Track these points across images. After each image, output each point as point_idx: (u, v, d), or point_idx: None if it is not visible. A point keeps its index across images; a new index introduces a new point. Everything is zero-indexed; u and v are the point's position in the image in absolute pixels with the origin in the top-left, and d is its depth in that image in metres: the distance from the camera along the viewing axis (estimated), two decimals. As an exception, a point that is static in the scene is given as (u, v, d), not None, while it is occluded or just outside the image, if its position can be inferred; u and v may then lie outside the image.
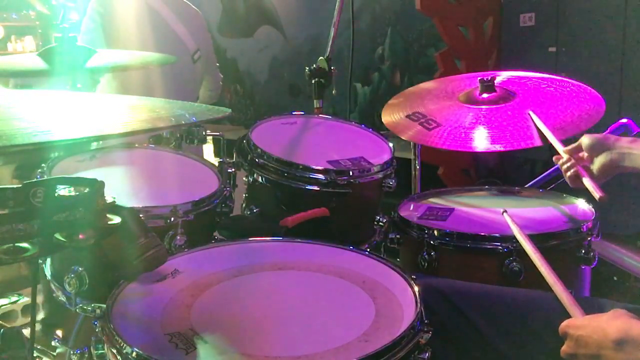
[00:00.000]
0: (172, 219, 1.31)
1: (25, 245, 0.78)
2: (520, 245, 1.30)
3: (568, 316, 1.01)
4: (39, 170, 1.38)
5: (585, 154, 1.39)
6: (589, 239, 1.43)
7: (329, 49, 2.04)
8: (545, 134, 1.53)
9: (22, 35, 7.05)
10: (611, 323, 0.89)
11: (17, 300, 2.65)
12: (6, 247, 0.77)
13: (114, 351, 0.89)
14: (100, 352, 0.96)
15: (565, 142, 1.51)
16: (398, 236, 1.54)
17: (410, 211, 1.63)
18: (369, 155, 1.62)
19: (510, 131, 1.60)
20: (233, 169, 1.57)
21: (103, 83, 2.50)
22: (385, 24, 4.28)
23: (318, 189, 1.48)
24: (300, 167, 1.49)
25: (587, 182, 1.35)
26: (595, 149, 1.35)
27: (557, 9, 3.18)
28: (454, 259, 1.44)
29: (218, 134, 1.70)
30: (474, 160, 3.58)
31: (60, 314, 1.50)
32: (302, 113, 1.85)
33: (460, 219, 1.55)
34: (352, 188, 1.50)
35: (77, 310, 1.28)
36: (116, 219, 0.86)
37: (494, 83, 1.74)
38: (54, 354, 1.59)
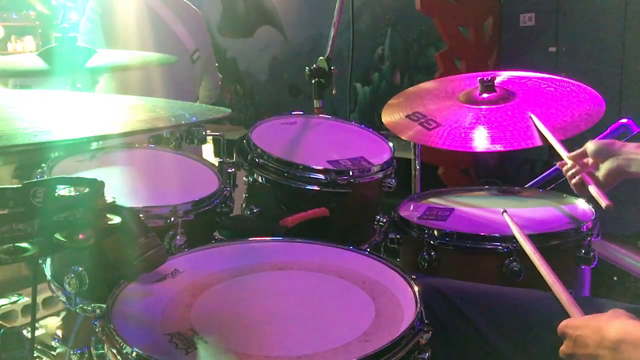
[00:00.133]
0: (172, 219, 1.31)
1: (25, 245, 0.78)
2: (520, 246, 1.30)
3: (567, 316, 1.01)
4: (39, 170, 1.38)
5: (590, 160, 1.37)
6: (589, 239, 1.43)
7: (329, 49, 2.04)
8: (549, 140, 1.52)
9: (22, 35, 7.04)
10: (610, 323, 0.89)
11: (17, 300, 2.65)
12: (6, 247, 0.77)
13: (114, 351, 0.89)
14: (100, 352, 0.96)
15: (565, 143, 1.51)
16: (398, 236, 1.54)
17: (410, 211, 1.63)
18: (369, 155, 1.62)
19: (510, 131, 1.60)
20: (233, 169, 1.57)
21: (102, 83, 2.50)
22: (385, 24, 4.28)
23: (318, 189, 1.48)
24: (300, 167, 1.49)
25: (593, 190, 1.33)
26: (601, 155, 1.33)
27: (557, 9, 3.18)
28: (454, 259, 1.44)
29: (218, 134, 1.70)
30: (474, 160, 3.58)
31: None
32: (302, 113, 1.85)
33: (460, 219, 1.55)
34: (352, 188, 1.50)
35: (77, 310, 1.28)
36: (116, 219, 0.86)
37: (494, 83, 1.74)
38: (54, 354, 1.59)
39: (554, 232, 1.42)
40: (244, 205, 1.62)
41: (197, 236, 1.36)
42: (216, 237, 1.46)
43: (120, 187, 1.41)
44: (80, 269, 1.23)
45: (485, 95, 1.73)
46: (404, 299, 1.02)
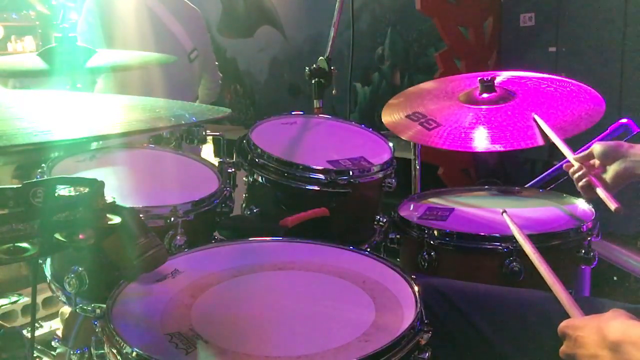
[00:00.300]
0: (172, 219, 1.31)
1: (25, 245, 0.78)
2: (520, 246, 1.30)
3: (567, 316, 1.01)
4: (39, 170, 1.38)
5: (596, 162, 1.36)
6: (589, 239, 1.43)
7: (329, 49, 2.04)
8: (554, 141, 1.51)
9: (22, 35, 7.04)
10: (610, 323, 0.89)
11: (17, 300, 2.65)
12: (6, 247, 0.77)
13: (114, 351, 0.89)
14: (100, 352, 0.96)
15: (565, 143, 1.51)
16: (398, 236, 1.54)
17: (410, 211, 1.63)
18: (369, 155, 1.62)
19: (510, 131, 1.60)
20: (233, 169, 1.57)
21: (100, 83, 2.50)
22: (385, 24, 4.28)
23: (318, 189, 1.48)
24: (300, 167, 1.49)
25: (601, 192, 1.31)
26: (609, 157, 1.32)
27: (557, 9, 3.18)
28: (454, 259, 1.44)
29: (218, 134, 1.70)
30: (474, 160, 3.58)
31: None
32: (302, 113, 1.85)
33: (460, 219, 1.55)
34: (352, 188, 1.50)
35: (77, 310, 1.29)
36: (116, 219, 0.86)
37: (494, 83, 1.74)
38: (54, 354, 1.59)
39: (554, 232, 1.42)
40: (244, 205, 1.62)
41: (197, 236, 1.36)
42: (216, 237, 1.46)
43: (120, 187, 1.41)
44: (80, 269, 1.23)
45: (485, 95, 1.74)
46: (404, 299, 1.02)
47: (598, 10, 3.01)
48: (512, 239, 1.35)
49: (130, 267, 0.98)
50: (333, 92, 2.10)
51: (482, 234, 1.41)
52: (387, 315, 0.98)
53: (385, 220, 1.63)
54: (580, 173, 1.37)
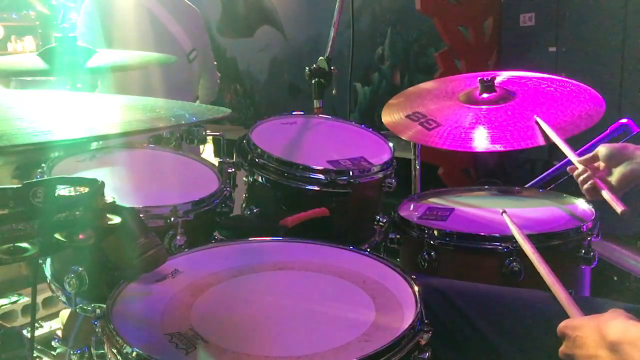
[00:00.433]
0: (172, 219, 1.31)
1: (25, 245, 0.78)
2: (520, 246, 1.30)
3: (567, 316, 1.01)
4: (39, 170, 1.38)
5: (601, 164, 1.35)
6: (589, 239, 1.43)
7: (329, 49, 2.04)
8: (557, 143, 1.50)
9: (22, 35, 7.04)
10: (609, 324, 0.89)
11: (17, 300, 2.65)
12: (6, 247, 0.77)
13: (114, 351, 0.89)
14: (100, 352, 0.96)
15: (568, 143, 1.50)
16: (398, 236, 1.54)
17: (410, 211, 1.63)
18: (369, 155, 1.62)
19: (510, 131, 1.60)
20: (233, 169, 1.57)
21: (99, 84, 2.50)
22: (385, 24, 4.28)
23: (318, 189, 1.48)
24: (300, 167, 1.49)
25: (606, 195, 1.30)
26: (614, 159, 1.31)
27: (557, 9, 3.18)
28: (454, 259, 1.44)
29: (218, 134, 1.70)
30: (474, 160, 3.58)
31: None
32: (302, 113, 1.85)
33: (460, 219, 1.55)
34: (352, 188, 1.50)
35: (77, 310, 1.29)
36: (116, 219, 0.86)
37: (494, 83, 1.74)
38: (54, 354, 1.59)
39: (554, 232, 1.42)
40: (244, 205, 1.62)
41: (197, 236, 1.36)
42: (216, 237, 1.46)
43: (120, 187, 1.41)
44: (80, 269, 1.23)
45: (485, 95, 1.74)
46: (404, 299, 1.02)
47: (598, 10, 3.01)
48: (512, 239, 1.35)
49: (130, 267, 0.98)
50: (333, 92, 2.10)
51: (482, 234, 1.41)
52: (387, 315, 0.98)
53: (385, 220, 1.63)
54: (585, 176, 1.36)
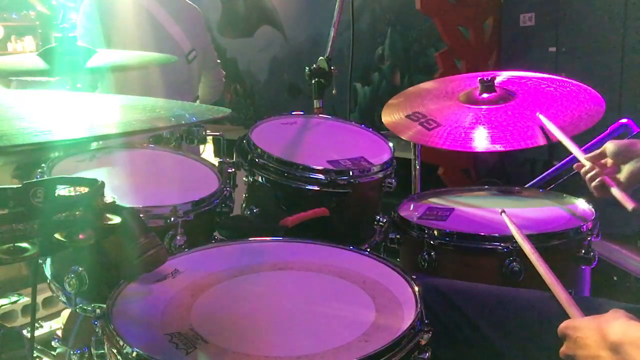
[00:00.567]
0: (172, 219, 1.31)
1: (25, 245, 0.78)
2: (520, 246, 1.30)
3: (567, 317, 1.01)
4: (39, 170, 1.38)
5: (609, 161, 1.33)
6: (589, 239, 1.43)
7: (329, 49, 2.04)
8: (562, 140, 1.48)
9: (22, 35, 7.04)
10: (610, 324, 0.89)
11: (17, 300, 2.65)
12: (6, 247, 0.77)
13: (114, 351, 0.89)
14: (100, 352, 0.96)
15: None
16: (398, 236, 1.54)
17: (410, 211, 1.63)
18: (369, 155, 1.62)
19: (510, 131, 1.60)
20: (233, 169, 1.57)
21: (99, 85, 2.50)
22: (385, 24, 4.28)
23: (318, 189, 1.48)
24: (300, 167, 1.49)
25: (616, 192, 1.28)
26: (622, 156, 1.29)
27: (557, 9, 3.18)
28: (454, 259, 1.44)
29: (218, 134, 1.70)
30: (474, 160, 3.58)
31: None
32: (302, 113, 1.85)
33: (460, 219, 1.55)
34: (352, 188, 1.50)
35: (77, 310, 1.29)
36: (116, 219, 0.86)
37: (494, 83, 1.74)
38: (54, 354, 1.59)
39: (554, 232, 1.42)
40: (244, 205, 1.62)
41: (197, 236, 1.36)
42: (216, 237, 1.46)
43: (120, 187, 1.41)
44: (80, 269, 1.23)
45: (485, 95, 1.74)
46: (404, 299, 1.02)
47: (598, 10, 3.01)
48: (512, 239, 1.35)
49: (130, 267, 0.98)
50: (333, 92, 2.10)
51: (482, 234, 1.41)
52: (387, 315, 0.98)
53: (385, 220, 1.63)
54: (593, 173, 1.34)
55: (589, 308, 1.01)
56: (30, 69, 1.72)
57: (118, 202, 0.88)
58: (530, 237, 1.29)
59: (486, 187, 1.82)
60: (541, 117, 1.59)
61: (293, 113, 1.84)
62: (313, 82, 2.03)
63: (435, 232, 1.44)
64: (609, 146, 1.32)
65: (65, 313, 2.03)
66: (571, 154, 1.48)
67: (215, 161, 1.65)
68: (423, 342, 0.91)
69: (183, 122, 0.93)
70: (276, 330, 0.96)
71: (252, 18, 5.39)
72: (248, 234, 1.32)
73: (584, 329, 0.92)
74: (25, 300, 2.65)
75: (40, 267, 1.37)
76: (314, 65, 2.03)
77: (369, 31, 4.33)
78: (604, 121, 1.61)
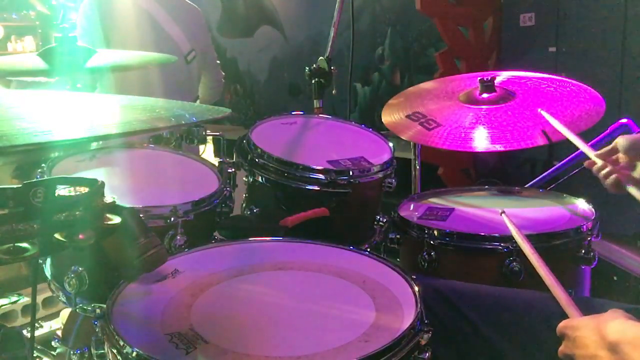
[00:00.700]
0: (172, 219, 1.31)
1: (25, 245, 0.78)
2: (520, 246, 1.30)
3: (567, 317, 1.01)
4: (39, 170, 1.38)
5: (621, 157, 1.28)
6: (589, 239, 1.43)
7: (329, 49, 2.04)
8: (569, 138, 1.44)
9: (22, 35, 7.04)
10: (608, 324, 0.89)
11: (17, 300, 2.65)
12: (6, 247, 0.77)
13: (114, 351, 0.89)
14: (100, 352, 0.96)
15: (564, 143, 1.49)
16: (398, 236, 1.54)
17: (410, 211, 1.63)
18: (369, 155, 1.62)
19: (510, 131, 1.60)
20: (233, 169, 1.57)
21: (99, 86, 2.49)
22: (385, 24, 4.28)
23: (318, 189, 1.48)
24: (300, 167, 1.49)
25: (633, 190, 1.23)
26: (635, 151, 1.24)
27: (557, 9, 3.18)
28: (454, 259, 1.44)
29: (218, 134, 1.70)
30: (474, 160, 3.58)
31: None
32: (302, 113, 1.85)
33: (460, 219, 1.55)
34: (352, 188, 1.50)
35: (77, 310, 1.29)
36: (116, 219, 0.86)
37: (494, 83, 1.74)
38: (54, 354, 1.59)
39: (554, 232, 1.42)
40: (244, 205, 1.62)
41: (197, 236, 1.36)
42: (216, 237, 1.46)
43: (120, 187, 1.41)
44: (80, 269, 1.23)
45: (485, 95, 1.74)
46: (404, 299, 1.02)
47: (598, 11, 3.01)
48: (512, 239, 1.35)
49: (130, 267, 0.98)
50: (333, 92, 2.10)
51: (482, 234, 1.41)
52: (387, 315, 0.98)
53: (385, 220, 1.63)
54: (606, 171, 1.28)
55: (589, 308, 1.01)
56: (30, 69, 1.72)
57: (118, 202, 0.88)
58: (530, 237, 1.29)
59: (486, 187, 1.82)
60: (544, 114, 1.57)
61: (293, 113, 1.84)
62: (313, 82, 2.03)
63: (435, 232, 1.44)
64: (621, 141, 1.26)
65: (64, 313, 2.03)
66: (571, 153, 1.48)
67: (215, 161, 1.65)
68: (423, 342, 0.91)
69: (183, 122, 0.93)
70: (276, 330, 0.96)
71: (252, 18, 5.39)
72: (248, 234, 1.32)
73: (583, 329, 0.92)
74: (25, 300, 2.66)
75: (40, 267, 1.37)
76: (314, 65, 2.03)
77: (369, 31, 4.33)
78: (604, 121, 1.61)
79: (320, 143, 1.72)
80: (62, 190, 0.82)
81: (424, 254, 1.44)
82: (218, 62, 3.04)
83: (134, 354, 0.86)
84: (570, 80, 1.76)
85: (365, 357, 0.84)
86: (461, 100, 1.77)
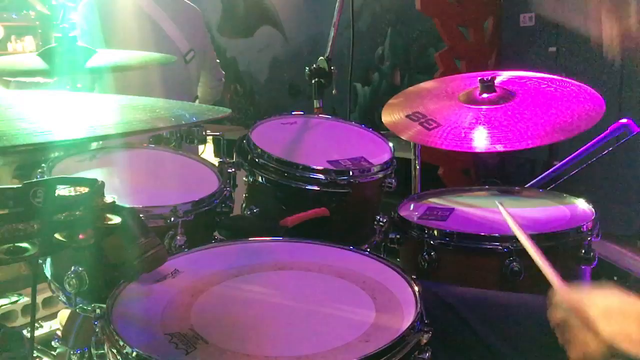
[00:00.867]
0: (172, 219, 1.31)
1: (25, 245, 0.78)
2: (519, 244, 1.30)
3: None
4: (39, 170, 1.37)
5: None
6: (589, 239, 1.43)
7: (329, 49, 2.04)
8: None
9: (22, 35, 7.04)
10: (599, 293, 0.92)
11: (17, 300, 2.65)
12: (6, 247, 0.77)
13: (114, 351, 0.89)
14: (100, 352, 0.96)
15: (565, 143, 1.49)
16: (398, 236, 1.54)
17: (410, 211, 1.63)
18: (369, 155, 1.62)
19: (510, 131, 1.60)
20: (233, 169, 1.57)
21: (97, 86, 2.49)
22: (385, 24, 4.28)
23: (318, 189, 1.48)
24: (300, 167, 1.49)
25: None
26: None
27: (557, 9, 3.18)
28: (454, 259, 1.44)
29: (218, 134, 1.70)
30: (474, 160, 3.58)
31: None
32: (302, 113, 1.85)
33: (460, 219, 1.55)
34: (352, 188, 1.50)
35: (77, 310, 1.29)
36: (116, 219, 0.86)
37: (494, 83, 1.74)
38: (54, 354, 1.59)
39: (554, 232, 1.42)
40: (244, 205, 1.62)
41: (197, 236, 1.36)
42: (216, 237, 1.46)
43: (120, 187, 1.41)
44: (80, 269, 1.23)
45: (485, 95, 1.73)
46: (404, 299, 1.02)
47: (598, 11, 3.01)
48: (512, 239, 1.35)
49: (130, 267, 0.98)
50: (333, 92, 2.10)
51: (482, 234, 1.41)
52: (387, 315, 0.98)
53: (385, 220, 1.63)
54: None
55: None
56: (30, 69, 1.72)
57: (118, 202, 0.88)
58: (529, 237, 1.28)
59: (486, 187, 1.82)
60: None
61: (293, 113, 1.84)
62: (313, 82, 2.03)
63: (435, 232, 1.44)
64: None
65: (63, 314, 2.03)
66: (571, 153, 1.48)
67: (215, 161, 1.65)
68: (423, 342, 0.91)
69: (183, 122, 0.93)
70: (276, 330, 0.96)
71: (252, 18, 5.39)
72: (248, 234, 1.32)
73: (573, 298, 0.94)
74: (25, 300, 2.65)
75: (40, 267, 1.37)
76: (314, 65, 2.02)
77: (369, 31, 4.33)
78: (604, 121, 1.61)
79: (320, 143, 1.72)
80: (62, 190, 0.82)
81: (424, 254, 1.44)
82: (217, 61, 3.04)
83: (134, 354, 0.86)
84: (570, 80, 1.76)
85: (365, 357, 0.84)
86: (461, 100, 1.77)
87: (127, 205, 0.96)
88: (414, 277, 1.07)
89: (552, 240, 1.39)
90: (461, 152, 3.20)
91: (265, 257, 1.20)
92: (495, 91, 1.74)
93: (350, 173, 1.51)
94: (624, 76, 2.94)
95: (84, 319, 1.46)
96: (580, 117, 1.60)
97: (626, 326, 0.85)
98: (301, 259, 1.19)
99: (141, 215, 1.07)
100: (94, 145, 1.56)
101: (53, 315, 2.59)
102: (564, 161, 1.87)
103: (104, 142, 1.58)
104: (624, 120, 1.72)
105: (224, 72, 3.09)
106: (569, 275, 1.43)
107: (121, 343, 0.88)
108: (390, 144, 1.70)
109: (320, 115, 1.97)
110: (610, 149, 1.80)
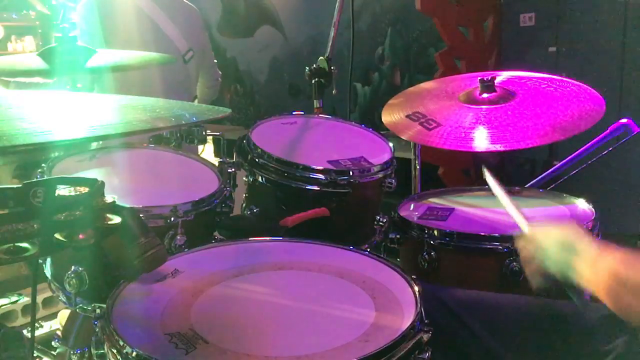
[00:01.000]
0: (172, 219, 1.31)
1: (25, 245, 0.78)
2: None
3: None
4: (39, 170, 1.38)
5: None
6: (589, 238, 1.43)
7: (329, 49, 2.04)
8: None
9: (22, 35, 7.03)
10: (562, 228, 1.03)
11: (17, 300, 2.65)
12: (6, 247, 0.77)
13: (114, 351, 0.89)
14: (100, 352, 0.96)
15: (565, 143, 1.49)
16: (398, 236, 1.54)
17: (410, 211, 1.63)
18: (369, 155, 1.62)
19: (510, 131, 1.60)
20: (233, 169, 1.57)
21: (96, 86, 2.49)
22: (385, 24, 4.28)
23: (318, 189, 1.48)
24: (300, 167, 1.49)
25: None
26: None
27: (557, 9, 3.18)
28: (454, 259, 1.44)
29: (218, 134, 1.70)
30: (473, 160, 3.58)
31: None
32: (302, 113, 1.85)
33: (460, 219, 1.55)
34: (352, 188, 1.50)
35: (77, 310, 1.29)
36: (116, 219, 0.86)
37: (494, 83, 1.74)
38: (54, 354, 1.59)
39: (554, 232, 1.41)
40: (244, 205, 1.62)
41: (197, 236, 1.36)
42: (216, 237, 1.46)
43: (120, 187, 1.41)
44: (80, 269, 1.23)
45: (485, 95, 1.73)
46: (404, 299, 1.02)
47: (598, 11, 3.01)
48: (512, 239, 1.35)
49: (130, 267, 0.98)
50: (333, 92, 2.10)
51: (482, 234, 1.41)
52: (387, 315, 0.98)
53: (385, 220, 1.63)
54: None
55: (589, 309, 1.01)
56: (30, 69, 1.71)
57: (118, 202, 0.88)
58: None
59: (486, 187, 1.82)
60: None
61: (293, 113, 1.84)
62: (313, 82, 2.03)
63: (435, 232, 1.44)
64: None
65: (63, 314, 2.03)
66: (571, 153, 1.48)
67: (215, 161, 1.65)
68: (423, 342, 0.91)
69: (183, 122, 0.93)
70: (276, 330, 0.96)
71: (252, 18, 5.39)
72: (248, 234, 1.32)
73: (540, 234, 1.05)
74: (25, 300, 2.65)
75: (40, 267, 1.37)
76: (314, 65, 2.02)
77: (369, 31, 4.33)
78: (604, 121, 1.61)
79: (320, 143, 1.72)
80: (62, 190, 0.82)
81: (424, 254, 1.44)
82: (215, 61, 3.04)
83: (134, 354, 0.86)
84: (570, 80, 1.76)
85: (365, 357, 0.84)
86: (461, 100, 1.77)
87: (127, 205, 0.96)
88: (414, 277, 1.07)
89: (552, 240, 1.39)
90: (461, 152, 3.20)
91: (265, 257, 1.20)
92: (495, 91, 1.74)
93: (351, 173, 1.51)
94: (624, 76, 2.94)
95: (84, 319, 1.46)
96: (580, 117, 1.60)
97: (571, 258, 0.96)
98: (301, 259, 1.19)
99: (141, 215, 1.07)
100: (94, 145, 1.56)
101: (53, 315, 2.59)
102: (564, 161, 1.87)
103: (104, 142, 1.58)
104: (624, 120, 1.71)
105: (220, 72, 3.09)
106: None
107: (121, 343, 0.88)
108: (390, 144, 1.70)
109: (320, 115, 1.97)
110: (610, 149, 1.79)
